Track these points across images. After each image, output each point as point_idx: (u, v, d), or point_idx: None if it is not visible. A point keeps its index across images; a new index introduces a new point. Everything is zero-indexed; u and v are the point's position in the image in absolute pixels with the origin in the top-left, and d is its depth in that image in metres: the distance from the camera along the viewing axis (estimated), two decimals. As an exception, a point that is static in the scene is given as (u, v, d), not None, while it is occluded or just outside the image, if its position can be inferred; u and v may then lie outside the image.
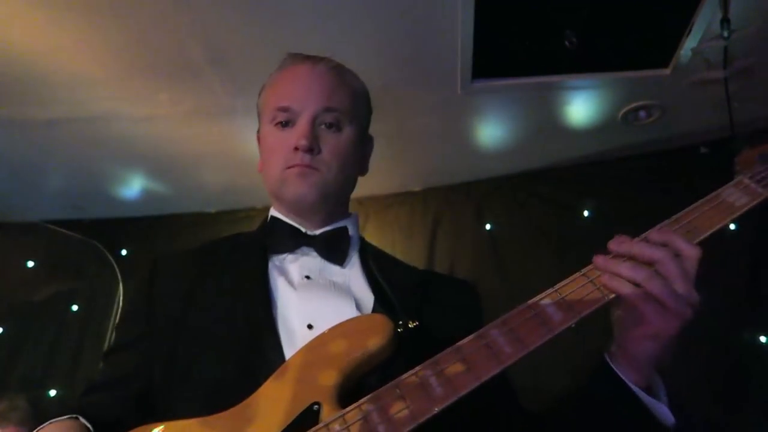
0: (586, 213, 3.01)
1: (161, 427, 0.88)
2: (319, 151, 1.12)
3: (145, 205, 3.51)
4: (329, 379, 0.86)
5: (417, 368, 0.81)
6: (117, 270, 3.50)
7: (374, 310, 1.04)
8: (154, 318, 1.08)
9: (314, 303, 1.04)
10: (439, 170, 3.24)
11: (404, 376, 0.81)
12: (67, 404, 1.13)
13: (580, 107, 2.73)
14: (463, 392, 0.77)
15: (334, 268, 1.13)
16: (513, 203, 3.17)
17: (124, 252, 3.57)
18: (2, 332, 3.41)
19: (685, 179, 2.86)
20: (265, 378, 0.89)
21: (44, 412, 3.24)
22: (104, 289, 3.47)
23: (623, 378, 0.89)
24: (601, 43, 2.31)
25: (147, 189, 3.36)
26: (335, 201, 1.17)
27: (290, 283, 1.08)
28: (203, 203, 3.53)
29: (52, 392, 3.26)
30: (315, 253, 1.13)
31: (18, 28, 2.22)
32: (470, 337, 0.83)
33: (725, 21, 2.09)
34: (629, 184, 2.97)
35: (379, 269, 1.15)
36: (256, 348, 0.97)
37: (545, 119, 2.82)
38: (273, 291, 1.07)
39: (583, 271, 0.96)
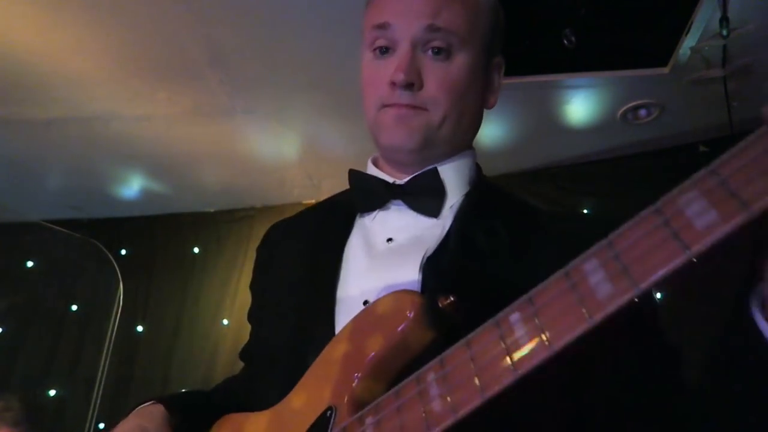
0: (585, 212, 3.02)
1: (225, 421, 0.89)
2: (422, 86, 0.89)
3: (144, 205, 3.51)
4: (349, 379, 0.71)
5: (427, 365, 0.62)
6: (117, 269, 3.50)
7: (423, 279, 0.82)
8: (257, 288, 1.05)
9: (381, 273, 0.85)
10: (438, 169, 3.23)
11: (406, 381, 0.63)
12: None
13: (580, 106, 2.73)
14: (469, 408, 0.55)
15: (429, 221, 0.91)
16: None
17: (123, 251, 3.58)
18: (2, 332, 3.41)
19: (685, 178, 2.85)
20: (313, 360, 0.78)
21: (43, 411, 3.25)
22: (104, 289, 3.48)
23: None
24: (600, 42, 2.30)
25: (146, 188, 3.36)
26: (445, 144, 0.94)
27: (369, 248, 0.91)
28: (202, 203, 3.53)
29: (52, 392, 3.26)
30: (406, 206, 0.92)
31: (17, 28, 2.22)
32: (485, 324, 0.59)
33: (724, 20, 2.09)
34: (628, 182, 2.97)
35: (466, 219, 0.90)
36: (308, 325, 0.85)
37: (544, 118, 2.82)
38: (347, 258, 0.90)
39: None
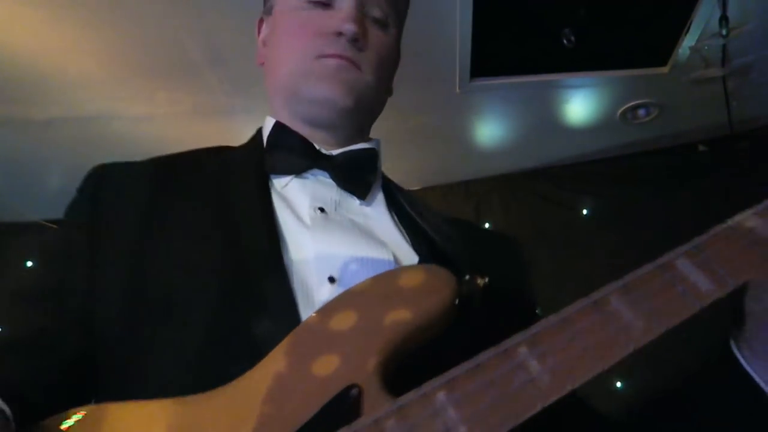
0: (585, 211, 3.02)
1: (120, 409, 0.61)
2: (365, 47, 0.85)
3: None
4: (372, 352, 0.59)
5: (508, 341, 0.55)
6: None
7: (420, 262, 0.76)
8: (99, 252, 0.75)
9: (335, 246, 0.74)
10: (437, 169, 3.24)
11: (488, 352, 0.55)
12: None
13: (579, 106, 2.73)
14: (577, 383, 0.53)
15: (353, 204, 0.84)
16: (512, 202, 3.17)
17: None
18: (1, 332, 3.41)
19: (684, 177, 2.86)
20: (273, 342, 0.61)
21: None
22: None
23: (758, 380, 0.62)
24: (599, 42, 2.31)
25: (146, 188, 3.36)
26: (367, 115, 0.91)
27: (298, 217, 0.78)
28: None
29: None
30: (329, 179, 0.84)
31: (16, 28, 2.22)
32: (581, 303, 0.57)
33: (724, 19, 2.09)
34: (628, 182, 2.97)
35: (415, 211, 0.87)
36: (258, 300, 0.68)
37: (544, 118, 2.82)
38: (279, 227, 0.76)
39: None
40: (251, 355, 0.61)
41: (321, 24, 0.84)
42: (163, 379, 0.66)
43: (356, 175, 0.85)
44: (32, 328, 0.73)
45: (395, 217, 0.86)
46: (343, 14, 0.84)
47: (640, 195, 2.88)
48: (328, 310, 0.63)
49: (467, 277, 0.68)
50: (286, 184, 0.83)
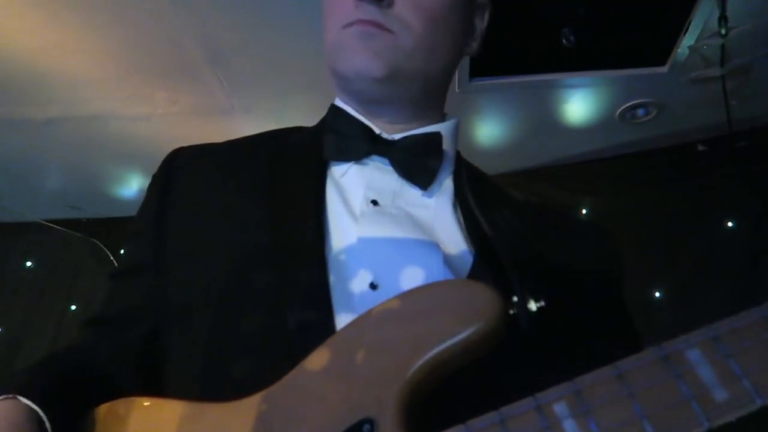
0: (584, 211, 3.02)
1: (139, 406, 0.62)
2: (392, 3, 0.74)
3: (143, 205, 3.50)
4: (395, 382, 0.52)
5: (545, 394, 0.45)
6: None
7: (473, 273, 0.68)
8: (165, 236, 0.76)
9: (382, 248, 0.68)
10: (437, 169, 3.23)
11: (521, 405, 0.45)
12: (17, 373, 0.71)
13: (578, 105, 2.73)
14: None
15: (414, 195, 0.76)
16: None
17: (123, 251, 3.56)
18: (1, 332, 3.41)
19: (683, 177, 2.87)
20: (305, 347, 0.57)
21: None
22: (103, 289, 3.46)
23: None
24: (598, 41, 2.31)
25: (145, 188, 3.34)
26: (414, 84, 0.78)
27: (348, 207, 0.73)
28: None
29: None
30: (390, 167, 0.76)
31: (15, 28, 2.21)
32: (645, 353, 0.44)
33: (723, 18, 2.10)
34: (627, 181, 2.98)
35: (482, 203, 0.76)
36: (294, 297, 0.63)
37: (543, 117, 2.82)
38: (328, 218, 0.71)
39: None
40: (287, 353, 0.59)
41: None
42: (204, 373, 0.66)
43: (418, 163, 0.76)
44: (118, 303, 0.78)
45: (459, 211, 0.77)
46: None
47: (639, 194, 2.89)
48: (363, 321, 0.57)
49: (515, 299, 0.59)
50: (345, 172, 0.77)
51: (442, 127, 0.81)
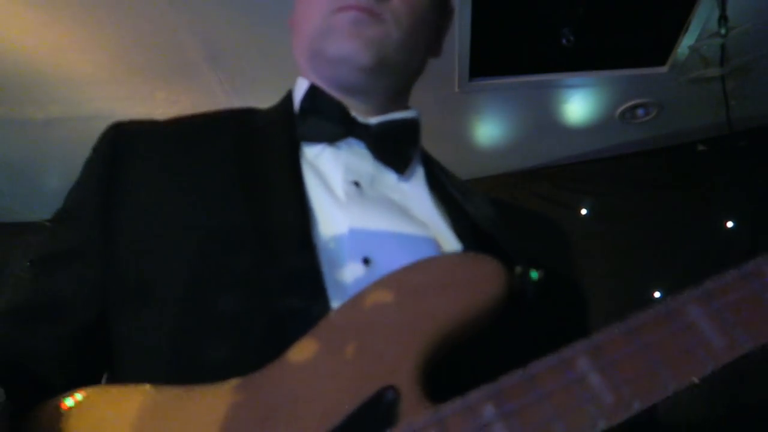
0: (584, 211, 3.02)
1: (140, 393, 0.56)
2: None
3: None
4: (411, 349, 0.52)
5: (567, 350, 0.49)
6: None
7: (465, 249, 0.69)
8: (112, 219, 0.70)
9: (371, 224, 0.67)
10: (437, 169, 3.23)
11: (543, 362, 0.48)
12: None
13: (578, 105, 2.73)
14: (645, 404, 0.46)
15: (390, 179, 0.76)
16: (511, 202, 3.17)
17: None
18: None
19: (683, 177, 2.87)
20: (298, 324, 0.56)
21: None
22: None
23: None
24: (598, 41, 2.31)
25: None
26: (395, 77, 0.80)
27: (330, 190, 0.71)
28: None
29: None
30: (365, 150, 0.76)
31: (15, 28, 2.21)
32: (652, 311, 0.51)
33: (722, 18, 2.10)
34: (627, 181, 2.98)
35: (459, 191, 0.79)
36: (283, 279, 0.61)
37: (543, 117, 2.82)
38: (310, 201, 0.69)
39: None
40: (275, 337, 0.57)
41: None
42: (173, 356, 0.61)
43: (395, 147, 0.77)
44: (47, 292, 0.70)
45: (435, 197, 0.78)
46: None
47: (640, 194, 2.89)
48: (365, 296, 0.56)
49: (519, 268, 0.60)
50: (318, 154, 0.75)
51: (414, 113, 0.83)
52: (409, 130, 0.80)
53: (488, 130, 2.93)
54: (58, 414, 0.56)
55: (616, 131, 2.90)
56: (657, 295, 2.73)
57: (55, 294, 0.70)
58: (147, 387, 0.56)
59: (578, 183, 3.07)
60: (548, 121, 2.84)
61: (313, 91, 0.79)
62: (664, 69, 2.44)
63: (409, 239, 0.67)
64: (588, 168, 3.10)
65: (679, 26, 2.23)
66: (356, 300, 0.57)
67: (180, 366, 0.60)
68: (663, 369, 0.46)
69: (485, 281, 0.54)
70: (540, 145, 3.02)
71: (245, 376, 0.54)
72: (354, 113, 0.78)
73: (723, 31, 2.11)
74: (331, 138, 0.76)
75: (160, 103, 2.65)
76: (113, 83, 2.52)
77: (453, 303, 0.54)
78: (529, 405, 0.46)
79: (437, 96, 2.57)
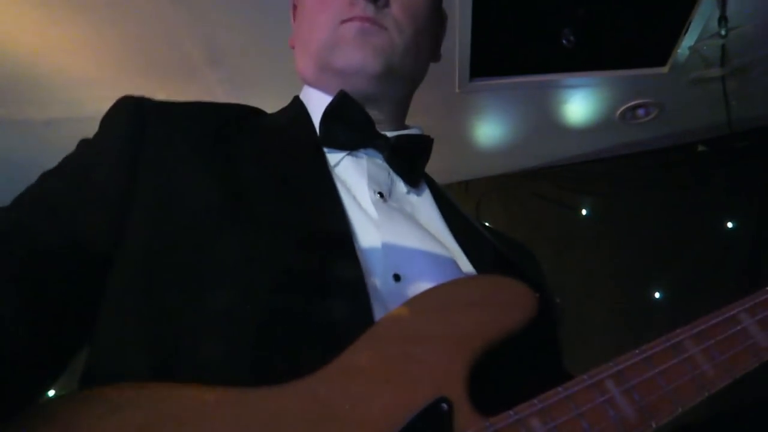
0: (584, 211, 3.02)
1: (186, 394, 0.51)
2: (387, 4, 0.78)
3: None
4: (459, 361, 0.55)
5: (595, 373, 0.56)
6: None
7: (480, 269, 0.71)
8: (145, 175, 0.66)
9: (400, 240, 0.67)
10: (437, 169, 3.19)
11: (577, 383, 0.55)
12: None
13: (578, 105, 2.73)
14: (661, 421, 0.55)
15: (401, 191, 0.78)
16: (511, 202, 3.17)
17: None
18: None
19: (683, 177, 2.87)
20: (344, 333, 0.55)
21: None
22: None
23: None
24: (598, 42, 2.31)
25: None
26: (402, 84, 0.84)
27: (357, 200, 0.71)
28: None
29: (51, 392, 3.26)
30: (382, 161, 0.77)
31: (14, 28, 2.22)
32: (658, 342, 0.59)
33: (723, 19, 2.10)
34: (627, 182, 2.98)
35: (457, 210, 0.81)
36: (328, 286, 0.60)
37: (543, 118, 2.82)
38: (345, 209, 0.69)
39: None
40: (321, 344, 0.55)
41: None
42: (207, 359, 0.55)
43: (410, 161, 0.79)
44: (68, 219, 0.62)
45: (441, 212, 0.80)
46: None
47: (640, 195, 2.89)
48: (410, 308, 0.58)
49: (537, 293, 0.63)
50: (339, 162, 0.75)
51: (420, 129, 0.85)
52: (425, 147, 0.83)
53: (488, 130, 2.93)
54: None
55: (616, 131, 2.90)
56: (657, 295, 2.73)
57: (80, 224, 0.63)
58: (196, 386, 0.52)
59: (578, 183, 3.07)
60: (548, 121, 2.84)
61: (342, 97, 0.77)
62: (664, 69, 2.44)
63: (435, 258, 0.68)
64: (588, 168, 3.10)
65: (680, 27, 2.23)
66: (402, 311, 0.58)
67: (173, 360, 0.55)
68: (671, 394, 0.56)
69: (520, 303, 0.59)
70: (540, 145, 3.02)
71: (301, 378, 0.53)
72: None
73: (723, 31, 2.11)
74: (353, 146, 0.76)
75: (161, 103, 2.65)
76: (114, 83, 2.52)
77: (493, 321, 0.58)
78: (570, 421, 0.53)
79: (437, 96, 2.57)
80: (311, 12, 0.83)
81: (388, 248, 0.66)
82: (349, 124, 0.76)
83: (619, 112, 2.76)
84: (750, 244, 2.63)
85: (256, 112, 0.83)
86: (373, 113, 0.80)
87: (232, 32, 2.27)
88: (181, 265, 0.60)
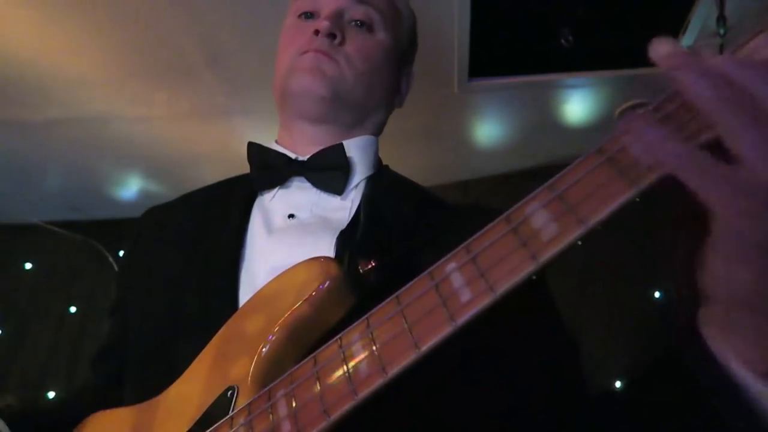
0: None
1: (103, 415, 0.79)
2: (342, 42, 0.91)
3: (143, 206, 3.47)
4: (252, 351, 0.65)
5: (344, 332, 0.57)
6: (116, 271, 3.49)
7: (336, 251, 0.78)
8: (131, 278, 0.93)
9: (286, 251, 0.80)
10: (436, 169, 3.24)
11: (328, 344, 0.58)
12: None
13: (577, 105, 2.73)
14: (395, 370, 0.51)
15: (333, 201, 0.89)
16: (510, 202, 3.17)
17: (122, 253, 3.57)
18: (1, 334, 3.41)
19: (682, 177, 2.86)
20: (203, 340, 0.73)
21: (42, 413, 3.24)
22: (103, 290, 3.47)
23: (718, 359, 0.51)
24: (597, 42, 2.31)
25: (144, 190, 3.36)
26: (350, 110, 0.93)
27: (267, 226, 0.86)
28: (201, 204, 3.52)
29: (51, 394, 3.26)
30: (309, 184, 0.90)
31: (14, 30, 2.22)
32: (418, 277, 0.54)
33: (721, 19, 2.10)
34: (626, 181, 2.98)
35: (375, 198, 0.88)
36: (206, 309, 0.78)
37: (542, 118, 2.82)
38: (249, 239, 0.85)
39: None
40: (196, 342, 0.73)
41: (304, 29, 0.94)
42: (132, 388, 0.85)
43: (329, 174, 0.89)
44: (102, 346, 0.97)
45: (360, 207, 0.88)
46: (321, 16, 0.93)
47: (639, 194, 2.89)
48: (241, 310, 0.71)
49: (352, 263, 0.71)
50: (273, 197, 0.91)
51: (347, 141, 0.92)
52: (336, 156, 0.90)
53: (488, 130, 2.93)
54: None
55: (615, 131, 2.90)
56: (657, 295, 2.73)
57: (101, 346, 0.97)
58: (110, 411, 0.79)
59: (578, 183, 3.07)
60: (548, 121, 2.84)
61: (252, 147, 0.94)
62: (663, 69, 2.44)
63: (316, 253, 0.74)
64: (587, 168, 3.10)
65: (678, 26, 2.23)
66: (237, 314, 0.71)
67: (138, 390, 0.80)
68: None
69: (309, 279, 0.65)
70: (539, 146, 3.02)
71: (156, 396, 0.74)
72: (295, 155, 0.92)
73: (722, 31, 2.11)
74: (277, 182, 0.91)
75: (160, 105, 2.65)
76: (113, 85, 2.52)
77: (287, 304, 0.64)
78: (305, 386, 0.58)
79: (436, 96, 2.57)
80: (282, 48, 0.98)
81: (272, 259, 0.79)
82: (267, 167, 0.92)
83: (617, 111, 2.76)
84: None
85: (237, 178, 1.02)
86: (322, 131, 0.93)
87: (230, 33, 2.27)
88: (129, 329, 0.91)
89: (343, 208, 0.88)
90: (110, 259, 3.51)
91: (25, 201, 3.45)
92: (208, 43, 2.31)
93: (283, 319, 0.64)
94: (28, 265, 3.54)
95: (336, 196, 0.89)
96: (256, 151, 0.94)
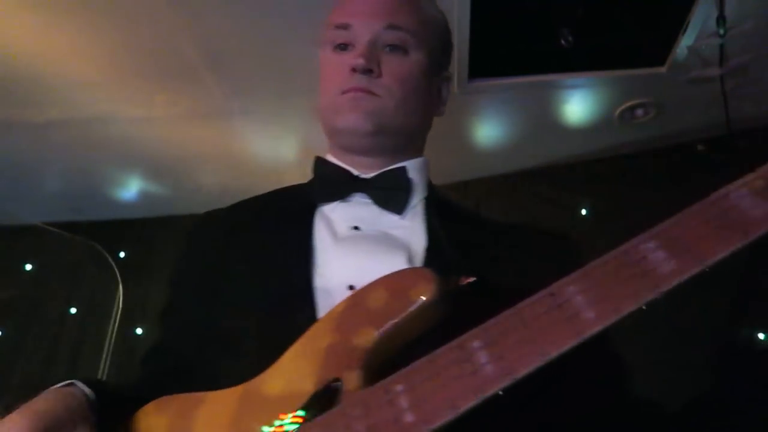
0: (583, 211, 3.02)
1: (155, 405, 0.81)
2: (380, 75, 0.97)
3: (143, 207, 3.50)
4: (356, 350, 0.69)
5: (463, 337, 0.61)
6: (116, 272, 3.49)
7: (427, 266, 0.85)
8: (186, 283, 1.00)
9: (359, 259, 0.88)
10: (437, 169, 3.21)
11: (445, 347, 0.61)
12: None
13: (577, 106, 2.73)
14: (523, 372, 0.56)
15: (392, 219, 0.96)
16: (510, 202, 3.18)
17: (122, 254, 3.57)
18: (1, 335, 3.41)
19: (682, 177, 2.86)
20: (296, 336, 0.76)
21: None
22: (103, 292, 3.47)
23: None
24: (597, 42, 2.31)
25: (144, 191, 3.35)
26: (396, 136, 1.00)
27: (333, 234, 0.93)
28: (201, 204, 3.49)
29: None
30: (370, 201, 0.97)
31: (14, 31, 2.22)
32: (536, 295, 0.60)
33: (721, 18, 2.10)
34: (626, 182, 2.97)
35: (440, 217, 0.96)
36: (285, 312, 0.83)
37: (542, 118, 2.82)
38: (316, 245, 0.91)
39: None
40: (271, 348, 0.76)
41: (341, 64, 0.98)
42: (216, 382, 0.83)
43: (389, 194, 0.97)
44: (157, 344, 1.00)
45: (427, 227, 0.95)
46: (356, 52, 0.97)
47: (639, 195, 2.88)
48: (332, 311, 0.74)
49: (452, 276, 0.72)
50: (334, 209, 0.97)
51: (408, 163, 1.01)
52: (400, 177, 0.99)
53: (488, 131, 2.93)
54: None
55: (615, 131, 2.90)
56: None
57: (156, 344, 1.00)
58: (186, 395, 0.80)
59: (578, 183, 3.07)
60: (548, 122, 2.84)
61: (318, 162, 1.04)
62: (662, 69, 2.44)
63: (390, 265, 0.77)
64: (588, 168, 3.10)
65: (678, 26, 2.23)
66: (328, 313, 0.75)
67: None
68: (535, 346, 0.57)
69: (416, 286, 0.68)
70: (539, 146, 3.02)
71: (244, 383, 0.76)
72: (358, 172, 0.99)
73: (722, 31, 2.11)
74: (339, 196, 0.98)
75: (160, 105, 2.65)
76: (112, 86, 2.52)
77: (391, 305, 0.69)
78: (427, 380, 0.59)
79: (436, 97, 2.57)
80: (323, 84, 1.04)
81: (344, 267, 0.87)
82: (331, 181, 0.99)
83: (617, 112, 2.76)
84: (749, 244, 2.62)
85: (291, 188, 1.08)
86: (367, 160, 1.00)
87: (230, 35, 2.28)
88: (205, 331, 0.94)
89: (402, 226, 0.95)
90: (110, 260, 3.51)
91: (25, 202, 3.45)
92: (208, 44, 2.31)
93: (390, 318, 0.68)
94: (28, 266, 3.54)
95: (395, 214, 0.96)
96: (321, 165, 1.03)
